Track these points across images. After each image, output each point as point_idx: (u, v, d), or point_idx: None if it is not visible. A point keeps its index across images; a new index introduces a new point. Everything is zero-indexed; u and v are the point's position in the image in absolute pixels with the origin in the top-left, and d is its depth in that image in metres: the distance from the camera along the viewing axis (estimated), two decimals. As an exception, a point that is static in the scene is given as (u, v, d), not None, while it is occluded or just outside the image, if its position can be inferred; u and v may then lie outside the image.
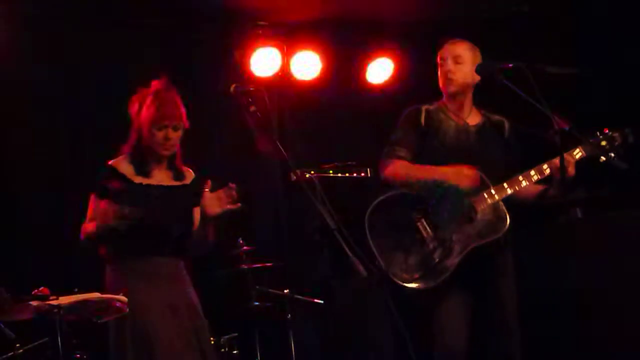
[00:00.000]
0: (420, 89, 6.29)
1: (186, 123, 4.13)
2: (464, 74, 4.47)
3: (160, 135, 4.05)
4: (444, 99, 4.60)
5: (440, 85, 4.55)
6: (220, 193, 4.00)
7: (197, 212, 4.15)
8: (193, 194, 4.14)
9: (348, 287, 5.75)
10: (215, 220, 4.10)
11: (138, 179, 4.05)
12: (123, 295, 3.89)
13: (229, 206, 3.99)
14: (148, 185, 4.06)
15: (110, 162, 4.09)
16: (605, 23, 6.09)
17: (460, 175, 4.34)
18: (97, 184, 4.08)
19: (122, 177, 4.03)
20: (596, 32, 6.15)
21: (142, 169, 4.08)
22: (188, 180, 4.23)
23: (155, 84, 4.15)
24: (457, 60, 4.48)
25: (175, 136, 4.09)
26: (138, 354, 3.89)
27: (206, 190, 4.03)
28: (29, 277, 4.88)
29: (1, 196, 5.35)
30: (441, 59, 4.53)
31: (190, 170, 4.28)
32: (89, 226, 4.06)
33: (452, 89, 4.51)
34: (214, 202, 4.00)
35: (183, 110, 4.13)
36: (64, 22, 5.66)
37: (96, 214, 4.03)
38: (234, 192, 3.97)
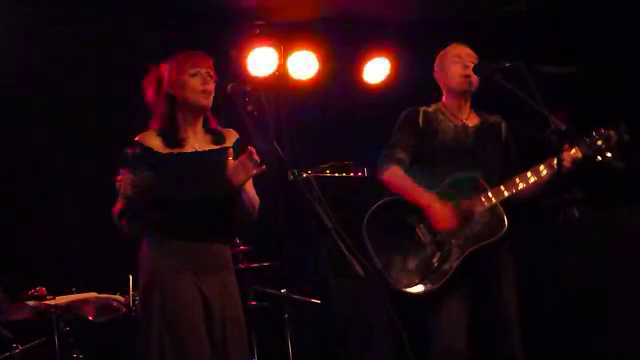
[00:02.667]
0: (417, 89, 6.31)
1: (215, 75, 3.89)
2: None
3: (196, 82, 3.81)
4: (445, 99, 4.58)
5: (454, 83, 4.50)
6: (243, 158, 3.72)
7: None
8: (235, 156, 3.81)
9: (345, 286, 5.75)
10: (243, 190, 3.83)
11: (168, 150, 3.79)
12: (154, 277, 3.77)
13: (254, 170, 3.73)
14: (178, 154, 3.79)
15: (136, 138, 3.82)
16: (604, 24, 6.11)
17: (437, 216, 4.32)
18: (124, 161, 3.76)
19: (149, 150, 3.77)
20: (596, 33, 6.18)
21: (174, 139, 3.81)
22: (230, 142, 3.93)
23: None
24: (472, 60, 4.47)
25: (212, 85, 3.84)
26: (164, 342, 3.69)
27: (229, 159, 3.77)
28: (26, 277, 4.87)
29: (1, 196, 5.35)
30: (457, 57, 4.50)
31: (233, 130, 3.98)
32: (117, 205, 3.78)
33: (470, 87, 4.50)
34: (238, 169, 3.73)
35: (210, 60, 3.91)
36: (64, 22, 5.66)
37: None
38: (255, 156, 3.71)
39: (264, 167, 3.72)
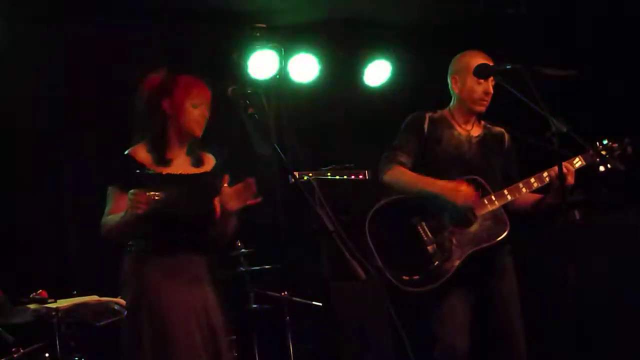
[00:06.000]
0: (418, 91, 6.32)
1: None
2: (491, 94, 4.48)
3: (197, 113, 3.94)
4: (453, 107, 4.57)
5: (471, 100, 4.47)
6: (240, 187, 3.85)
7: (217, 201, 3.99)
8: (214, 181, 3.97)
9: (347, 289, 5.75)
10: (235, 215, 3.96)
11: (158, 169, 3.91)
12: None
13: (249, 201, 3.85)
14: (168, 175, 3.92)
15: (127, 152, 3.93)
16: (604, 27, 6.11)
17: (458, 191, 4.32)
18: (114, 176, 3.92)
19: (141, 166, 3.88)
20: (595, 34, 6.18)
21: (162, 157, 3.93)
22: (209, 167, 4.07)
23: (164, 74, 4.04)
24: (492, 82, 4.45)
25: (206, 116, 3.99)
26: (156, 354, 3.77)
27: (225, 185, 3.88)
28: (27, 280, 4.87)
29: (1, 198, 5.35)
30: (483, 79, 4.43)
31: (211, 156, 4.13)
32: (108, 220, 3.88)
33: (484, 109, 4.50)
34: (233, 197, 3.86)
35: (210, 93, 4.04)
36: (64, 23, 5.66)
37: (116, 207, 3.84)
38: (253, 186, 3.83)
39: (259, 199, 3.84)
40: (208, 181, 3.98)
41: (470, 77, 4.43)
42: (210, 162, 4.10)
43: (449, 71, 4.57)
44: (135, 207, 3.65)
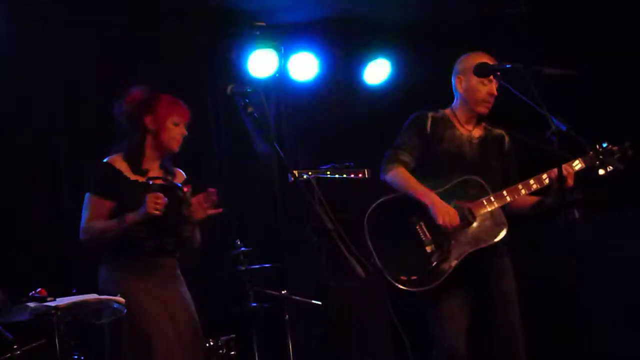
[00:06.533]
0: (418, 90, 6.32)
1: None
2: (495, 96, 4.48)
3: (177, 131, 4.20)
4: (456, 108, 4.57)
5: (474, 102, 4.48)
6: (201, 198, 4.10)
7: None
8: (185, 193, 4.19)
9: (346, 288, 5.75)
10: (198, 224, 4.20)
11: (134, 177, 4.12)
12: (120, 295, 3.90)
13: (210, 211, 4.10)
14: (143, 183, 4.11)
15: (105, 160, 4.15)
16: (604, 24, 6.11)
17: (443, 213, 4.32)
18: (93, 183, 4.14)
19: (119, 174, 4.10)
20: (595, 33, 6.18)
21: (138, 168, 4.15)
22: (179, 181, 4.30)
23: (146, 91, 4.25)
24: (497, 84, 4.45)
25: (184, 134, 4.24)
26: (137, 355, 3.89)
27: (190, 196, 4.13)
28: (27, 279, 4.87)
29: (1, 197, 5.35)
30: (488, 80, 4.45)
31: (180, 170, 4.38)
32: (92, 226, 4.08)
33: (487, 111, 4.50)
34: (195, 207, 4.10)
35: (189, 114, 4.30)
36: (64, 23, 5.66)
37: (97, 213, 4.07)
38: (214, 197, 4.08)
39: (220, 209, 4.11)
40: (175, 191, 4.17)
41: (474, 78, 4.43)
42: (180, 176, 4.33)
43: (454, 71, 4.57)
44: (153, 209, 3.86)
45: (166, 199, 3.91)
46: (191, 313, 4.16)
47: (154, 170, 4.21)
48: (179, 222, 4.12)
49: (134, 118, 4.19)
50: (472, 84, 4.48)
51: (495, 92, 4.46)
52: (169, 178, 4.23)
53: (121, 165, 4.14)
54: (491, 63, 4.40)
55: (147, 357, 3.90)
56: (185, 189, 4.13)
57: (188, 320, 4.11)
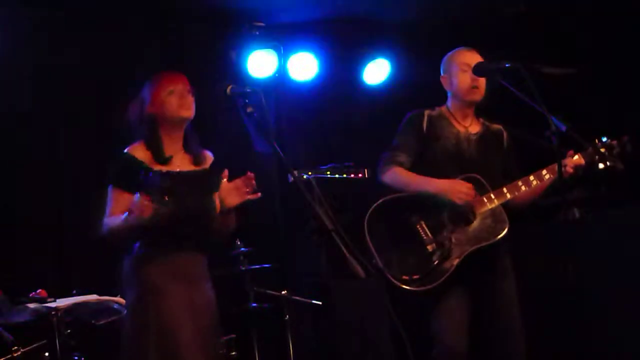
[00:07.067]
0: (417, 90, 6.32)
1: (191, 89, 4.02)
2: (484, 82, 4.48)
3: (173, 99, 3.93)
4: (450, 105, 4.58)
5: (462, 93, 4.50)
6: (239, 182, 3.86)
7: (217, 198, 3.97)
8: (213, 178, 3.96)
9: (346, 288, 5.75)
10: (234, 211, 3.96)
11: (157, 166, 3.89)
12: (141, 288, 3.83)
13: (248, 196, 3.85)
14: (168, 173, 3.89)
15: (126, 150, 3.93)
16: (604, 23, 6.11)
17: (456, 189, 4.33)
18: (113, 175, 3.90)
19: (141, 165, 3.87)
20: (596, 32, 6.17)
21: (160, 155, 3.92)
22: (207, 164, 4.07)
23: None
24: None
25: (190, 99, 3.98)
26: (162, 354, 3.73)
27: (224, 180, 3.88)
28: (27, 280, 4.87)
29: (1, 197, 5.35)
30: (466, 65, 4.47)
31: (209, 153, 4.13)
32: (109, 222, 3.84)
33: (477, 97, 4.50)
34: (232, 192, 3.87)
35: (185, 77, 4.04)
36: (64, 23, 5.66)
37: (118, 207, 3.81)
38: (252, 181, 3.83)
39: (259, 194, 3.83)
40: (207, 178, 3.97)
41: (455, 70, 4.50)
42: (208, 159, 4.09)
43: (440, 74, 4.60)
44: (141, 212, 3.63)
45: (164, 198, 3.64)
46: (213, 312, 3.95)
47: (179, 155, 3.99)
48: (197, 212, 3.90)
49: (140, 112, 3.98)
50: (455, 76, 4.52)
51: (478, 77, 4.46)
52: (196, 162, 4.01)
53: (143, 154, 3.91)
54: (472, 55, 4.48)
55: (171, 356, 3.73)
56: (218, 175, 3.88)
57: (210, 320, 3.92)
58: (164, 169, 3.90)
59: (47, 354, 4.52)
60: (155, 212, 3.64)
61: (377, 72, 6.77)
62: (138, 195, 3.64)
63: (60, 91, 5.68)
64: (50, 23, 5.62)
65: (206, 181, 3.96)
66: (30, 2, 5.55)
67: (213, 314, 3.95)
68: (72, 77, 5.71)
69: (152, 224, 3.70)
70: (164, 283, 3.80)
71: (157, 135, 3.95)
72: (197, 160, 4.04)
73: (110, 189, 3.88)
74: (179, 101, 3.94)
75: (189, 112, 3.98)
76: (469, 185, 4.35)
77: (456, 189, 4.33)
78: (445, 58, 4.62)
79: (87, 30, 5.75)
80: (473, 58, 4.49)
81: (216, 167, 4.03)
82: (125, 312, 3.99)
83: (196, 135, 4.08)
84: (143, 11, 5.86)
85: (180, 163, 3.99)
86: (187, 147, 4.04)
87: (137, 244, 3.87)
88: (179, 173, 3.93)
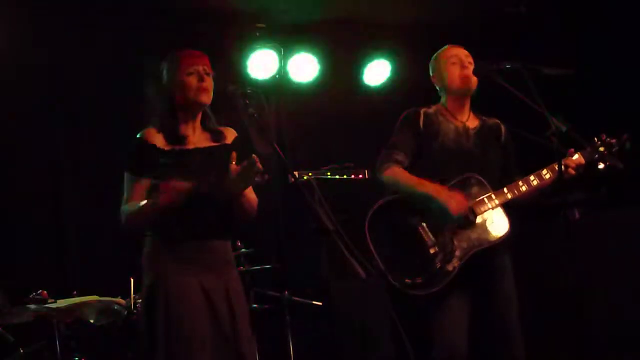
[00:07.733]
0: (418, 91, 6.31)
1: (212, 71, 3.89)
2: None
3: (193, 80, 3.81)
4: (446, 101, 4.57)
5: (455, 85, 4.50)
6: (244, 166, 3.66)
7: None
8: (236, 154, 3.75)
9: (347, 289, 5.75)
10: (242, 195, 3.81)
11: (170, 147, 3.78)
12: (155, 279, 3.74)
13: (256, 180, 3.70)
14: (182, 151, 3.78)
15: (139, 136, 3.81)
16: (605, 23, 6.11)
17: (452, 200, 4.32)
18: (127, 161, 3.78)
19: (153, 148, 3.76)
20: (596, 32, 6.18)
21: (175, 135, 3.81)
22: (229, 140, 3.93)
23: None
24: (470, 60, 4.48)
25: (209, 82, 3.84)
26: (169, 342, 3.66)
27: (232, 163, 3.71)
28: (28, 281, 4.87)
29: (2, 198, 5.36)
30: (455, 57, 4.49)
31: (232, 129, 3.97)
32: (126, 209, 3.73)
33: (470, 86, 4.49)
34: (240, 177, 3.69)
35: (206, 58, 3.92)
36: (64, 23, 5.67)
37: (134, 194, 3.72)
38: (258, 164, 3.66)
39: (267, 176, 3.68)
40: (224, 153, 3.81)
41: (444, 65, 4.51)
42: (230, 135, 3.96)
43: (430, 75, 4.62)
44: (172, 194, 3.56)
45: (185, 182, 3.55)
46: (238, 299, 3.78)
47: (196, 134, 3.87)
48: (213, 188, 3.73)
49: (156, 90, 3.88)
50: (444, 71, 4.52)
51: (467, 65, 4.47)
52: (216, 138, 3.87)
53: (156, 138, 3.78)
54: (458, 50, 4.50)
55: (181, 347, 3.60)
56: (232, 156, 3.70)
57: (234, 307, 3.74)
58: (179, 148, 3.80)
59: (47, 354, 4.53)
60: (187, 192, 3.57)
61: (377, 73, 6.78)
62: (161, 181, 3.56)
63: (61, 90, 5.69)
64: (51, 23, 5.63)
65: (223, 157, 3.78)
66: (31, 2, 5.55)
67: (236, 301, 3.76)
68: (72, 77, 5.72)
69: (180, 205, 3.61)
70: (176, 270, 3.68)
71: (174, 116, 3.84)
72: (216, 137, 3.91)
73: (126, 176, 3.78)
74: (197, 84, 3.81)
75: (207, 97, 3.85)
76: (462, 195, 4.33)
77: (453, 199, 4.31)
78: (432, 58, 4.64)
79: (87, 31, 5.75)
80: (460, 51, 4.52)
81: (239, 144, 3.90)
82: (125, 312, 3.98)
83: (213, 115, 3.95)
84: (144, 12, 5.86)
85: (197, 141, 3.86)
86: (204, 125, 3.93)
87: (155, 231, 3.76)
88: (194, 150, 3.82)
